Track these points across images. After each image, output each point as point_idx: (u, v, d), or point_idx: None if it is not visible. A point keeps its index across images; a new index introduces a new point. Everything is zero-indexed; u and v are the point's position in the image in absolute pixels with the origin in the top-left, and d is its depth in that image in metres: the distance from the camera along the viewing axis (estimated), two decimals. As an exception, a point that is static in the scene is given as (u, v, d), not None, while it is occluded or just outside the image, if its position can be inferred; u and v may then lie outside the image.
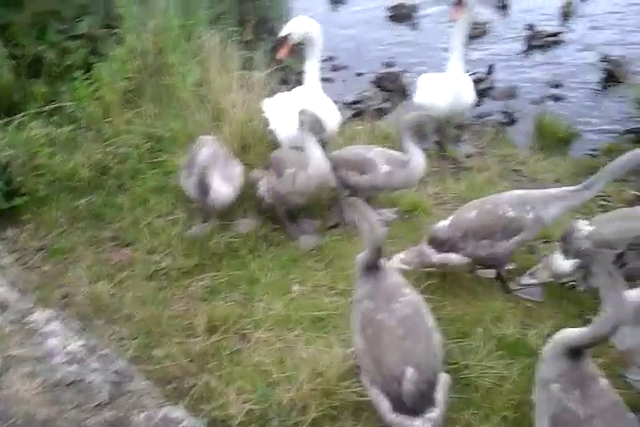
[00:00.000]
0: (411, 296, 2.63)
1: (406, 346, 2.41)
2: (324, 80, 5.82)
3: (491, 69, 6.59)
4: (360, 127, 5.22)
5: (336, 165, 3.85)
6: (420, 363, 2.37)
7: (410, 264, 3.38)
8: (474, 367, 2.95)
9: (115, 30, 4.89)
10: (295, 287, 3.50)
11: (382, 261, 2.72)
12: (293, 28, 3.96)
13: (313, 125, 3.60)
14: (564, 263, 3.34)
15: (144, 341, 3.11)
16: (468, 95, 4.71)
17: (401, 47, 7.64)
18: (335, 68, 7.05)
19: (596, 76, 6.71)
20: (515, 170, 4.81)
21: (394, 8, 8.47)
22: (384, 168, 3.81)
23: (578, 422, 2.16)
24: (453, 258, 3.33)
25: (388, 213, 4.13)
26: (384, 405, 2.36)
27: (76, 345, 2.09)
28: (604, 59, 6.62)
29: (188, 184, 3.75)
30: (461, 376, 2.91)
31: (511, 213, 3.23)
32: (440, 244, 3.32)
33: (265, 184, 3.85)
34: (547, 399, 2.29)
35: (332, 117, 4.21)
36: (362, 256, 2.71)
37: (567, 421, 2.19)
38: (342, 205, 2.84)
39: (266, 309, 3.34)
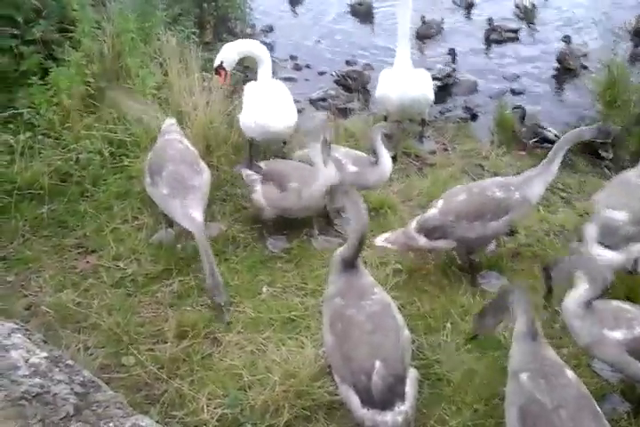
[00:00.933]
0: (380, 295, 2.65)
1: (375, 340, 2.43)
2: (287, 79, 5.84)
3: (454, 56, 6.68)
4: (324, 126, 5.20)
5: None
6: (388, 357, 2.39)
7: (394, 244, 3.41)
8: (444, 362, 2.99)
9: (70, 34, 4.78)
10: (265, 289, 3.50)
11: (359, 259, 2.72)
12: (224, 57, 4.17)
13: (322, 133, 3.40)
14: (609, 255, 3.25)
15: (112, 349, 3.07)
16: (418, 88, 4.75)
17: (362, 44, 7.63)
18: (297, 68, 7.01)
19: (553, 70, 6.83)
20: (477, 165, 4.88)
21: (353, 5, 8.49)
22: (351, 168, 3.85)
23: (545, 412, 2.20)
24: (441, 242, 3.38)
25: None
26: (354, 401, 2.37)
27: (39, 357, 2.05)
28: (562, 52, 6.74)
29: (155, 192, 3.63)
30: (432, 371, 2.95)
31: (499, 194, 3.35)
32: (432, 231, 3.36)
33: (262, 194, 3.72)
34: (517, 391, 2.33)
35: (289, 113, 4.20)
36: (341, 251, 2.70)
37: (535, 411, 2.22)
38: (333, 191, 2.79)
39: (236, 312, 3.32)
